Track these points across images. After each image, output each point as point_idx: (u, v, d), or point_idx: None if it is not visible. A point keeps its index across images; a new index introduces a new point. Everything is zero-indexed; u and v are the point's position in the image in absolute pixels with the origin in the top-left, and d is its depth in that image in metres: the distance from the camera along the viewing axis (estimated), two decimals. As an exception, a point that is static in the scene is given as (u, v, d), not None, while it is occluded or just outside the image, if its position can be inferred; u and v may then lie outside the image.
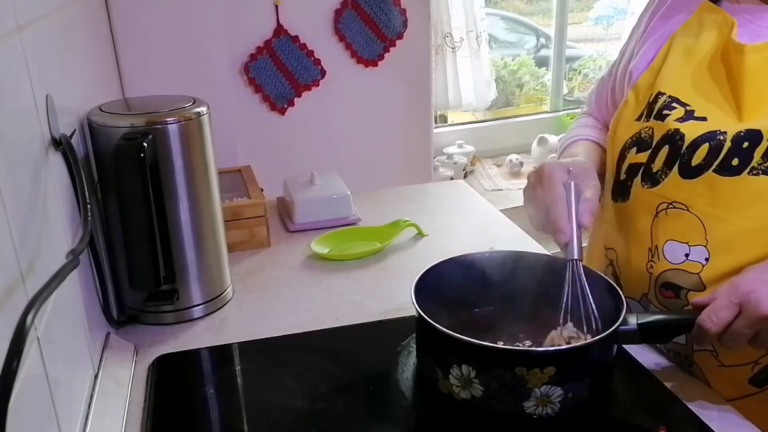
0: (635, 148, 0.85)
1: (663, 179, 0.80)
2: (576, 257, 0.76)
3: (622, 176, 0.86)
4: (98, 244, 0.84)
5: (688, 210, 0.78)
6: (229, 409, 0.78)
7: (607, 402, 0.76)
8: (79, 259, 0.59)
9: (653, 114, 0.83)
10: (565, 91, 2.62)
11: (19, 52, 0.61)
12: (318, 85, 1.73)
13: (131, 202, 0.81)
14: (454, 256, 0.86)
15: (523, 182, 2.33)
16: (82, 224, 0.68)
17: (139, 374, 0.83)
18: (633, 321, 0.74)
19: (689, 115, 0.80)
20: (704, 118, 0.79)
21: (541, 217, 0.80)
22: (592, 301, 0.74)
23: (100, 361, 0.81)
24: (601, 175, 0.91)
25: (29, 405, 0.51)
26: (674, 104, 0.82)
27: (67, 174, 0.73)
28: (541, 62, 2.69)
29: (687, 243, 0.78)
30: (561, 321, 0.76)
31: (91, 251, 0.80)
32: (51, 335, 0.59)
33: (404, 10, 1.75)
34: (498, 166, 2.36)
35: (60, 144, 0.71)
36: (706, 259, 0.77)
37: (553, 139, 2.26)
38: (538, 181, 0.81)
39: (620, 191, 0.87)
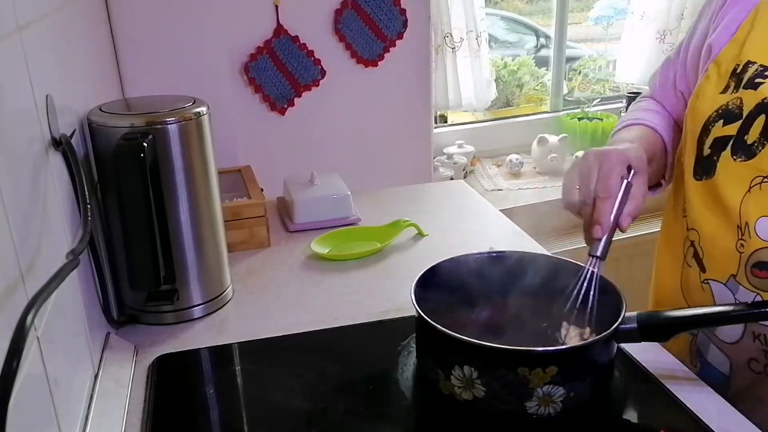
0: (722, 120, 0.81)
1: (760, 150, 0.77)
2: (598, 255, 0.76)
3: (706, 151, 0.83)
4: (98, 244, 0.84)
5: None
6: (229, 409, 0.78)
7: (607, 402, 0.76)
8: (79, 259, 0.59)
9: (743, 83, 0.80)
10: (565, 91, 2.62)
11: (19, 52, 0.61)
12: (318, 85, 1.73)
13: (131, 202, 0.81)
14: (454, 256, 0.86)
15: (523, 182, 2.31)
16: (82, 224, 0.68)
17: (139, 374, 0.83)
18: (633, 320, 0.74)
19: None
20: None
21: (580, 200, 0.79)
22: (596, 300, 0.75)
23: (100, 361, 0.81)
24: (651, 162, 0.89)
25: (29, 405, 0.51)
26: (767, 72, 0.79)
27: (67, 174, 0.73)
28: (541, 62, 2.69)
29: None
30: (567, 311, 0.77)
31: (91, 251, 0.80)
32: (51, 335, 0.59)
33: (404, 10, 1.75)
34: (498, 166, 2.36)
35: (60, 144, 0.71)
36: None
37: (553, 139, 2.26)
38: (597, 164, 0.79)
39: (704, 168, 0.83)
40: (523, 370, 0.68)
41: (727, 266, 0.80)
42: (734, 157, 0.79)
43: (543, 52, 2.82)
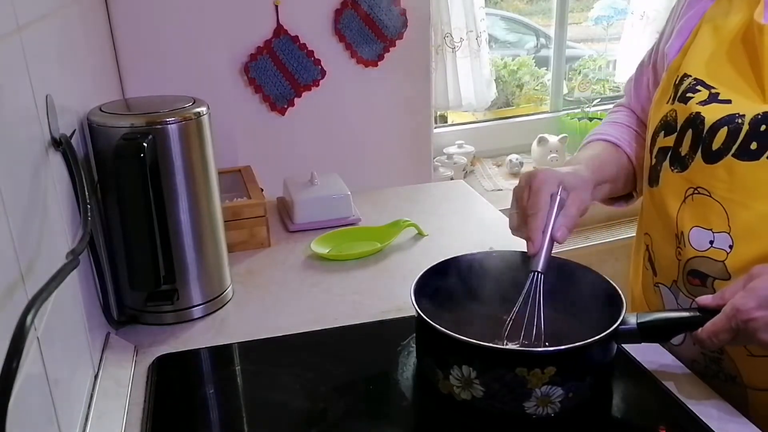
0: (663, 131, 0.84)
1: (690, 163, 0.79)
2: (539, 269, 0.77)
3: (653, 161, 0.86)
4: (98, 244, 0.84)
5: (710, 196, 0.77)
6: (229, 409, 0.78)
7: (607, 402, 0.76)
8: (79, 259, 0.59)
9: (677, 96, 0.82)
10: (565, 91, 2.62)
11: (19, 52, 0.61)
12: (318, 85, 1.73)
13: (131, 202, 0.81)
14: (454, 256, 0.86)
15: (523, 182, 2.29)
16: (82, 224, 0.68)
17: (139, 374, 0.83)
18: (633, 320, 0.74)
19: (713, 98, 0.79)
20: (729, 101, 0.77)
21: (518, 222, 0.81)
22: (543, 315, 0.75)
23: (100, 361, 0.81)
24: (611, 180, 0.91)
25: (29, 405, 0.51)
26: (699, 87, 0.80)
27: (67, 174, 0.73)
28: (541, 62, 2.69)
29: (711, 230, 0.77)
30: (506, 330, 0.78)
31: (91, 251, 0.80)
32: (51, 335, 0.59)
33: (404, 10, 1.74)
34: (498, 166, 2.36)
35: (60, 144, 0.71)
36: (730, 247, 0.75)
37: (553, 139, 2.26)
38: (527, 185, 0.81)
39: (652, 176, 0.86)
40: (521, 370, 0.68)
41: (670, 272, 0.83)
42: (672, 168, 0.82)
43: (543, 52, 2.82)
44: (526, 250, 0.79)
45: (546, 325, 0.76)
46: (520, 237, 0.82)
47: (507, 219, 1.27)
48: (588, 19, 2.70)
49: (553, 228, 0.78)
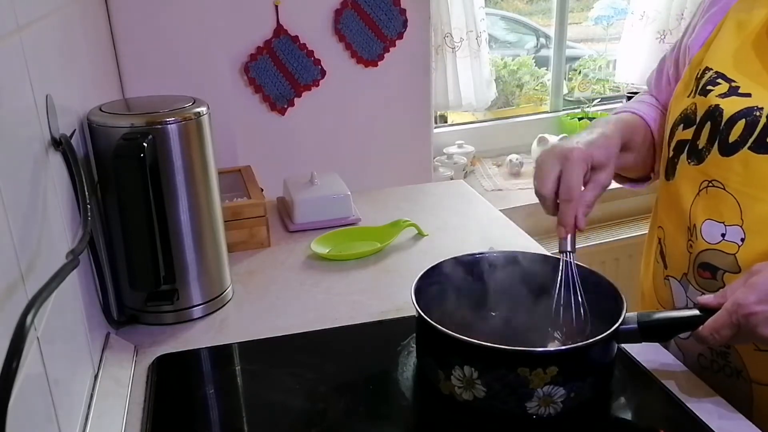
0: (682, 124, 0.84)
1: (707, 156, 0.79)
2: (570, 249, 0.79)
3: (670, 153, 0.86)
4: (98, 244, 0.84)
5: (724, 189, 0.77)
6: (229, 409, 0.78)
7: (608, 402, 0.76)
8: (79, 259, 0.59)
9: (698, 89, 0.83)
10: (565, 91, 2.61)
11: (19, 52, 0.61)
12: (318, 85, 1.73)
13: (131, 202, 0.81)
14: (454, 256, 0.86)
15: (523, 182, 2.31)
16: (82, 224, 0.68)
17: (139, 374, 0.83)
18: (633, 320, 0.74)
19: (733, 91, 0.79)
20: (748, 95, 0.77)
21: (543, 194, 0.81)
22: (582, 291, 0.77)
23: (100, 361, 0.81)
24: (635, 148, 0.91)
25: (29, 405, 0.51)
26: (719, 80, 0.81)
27: (67, 174, 0.73)
28: (541, 62, 2.69)
29: (724, 222, 0.77)
30: (554, 313, 0.79)
31: (91, 251, 0.80)
32: (51, 335, 0.59)
33: (404, 10, 1.74)
34: (498, 166, 2.36)
35: (60, 144, 0.71)
36: (742, 240, 0.75)
37: (553, 139, 2.26)
38: (559, 164, 0.80)
39: (669, 169, 0.86)
40: (523, 370, 0.68)
41: (681, 265, 0.83)
42: (689, 160, 0.82)
43: (543, 52, 2.82)
44: (525, 250, 0.80)
45: (587, 303, 0.78)
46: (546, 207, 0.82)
47: (507, 219, 1.28)
48: (588, 19, 2.70)
49: (578, 217, 0.79)
